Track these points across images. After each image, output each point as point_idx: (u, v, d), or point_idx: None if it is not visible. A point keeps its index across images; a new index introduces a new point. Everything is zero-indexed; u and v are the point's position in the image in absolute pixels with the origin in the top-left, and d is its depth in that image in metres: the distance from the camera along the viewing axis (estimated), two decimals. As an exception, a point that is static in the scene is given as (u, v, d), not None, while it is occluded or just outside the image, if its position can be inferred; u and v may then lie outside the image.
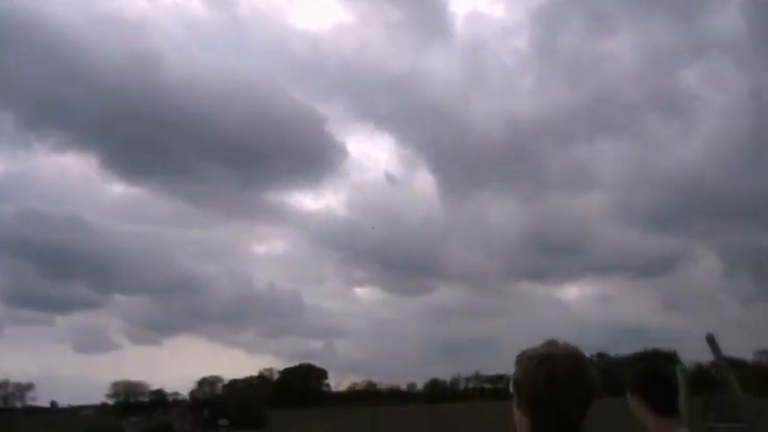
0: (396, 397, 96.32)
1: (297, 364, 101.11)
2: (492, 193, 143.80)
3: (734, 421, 5.05)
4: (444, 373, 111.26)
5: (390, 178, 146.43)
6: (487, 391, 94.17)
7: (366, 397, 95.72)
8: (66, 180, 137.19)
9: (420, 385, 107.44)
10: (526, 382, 1.49)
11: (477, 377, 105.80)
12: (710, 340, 5.24)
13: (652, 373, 2.76)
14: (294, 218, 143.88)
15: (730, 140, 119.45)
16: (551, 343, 1.54)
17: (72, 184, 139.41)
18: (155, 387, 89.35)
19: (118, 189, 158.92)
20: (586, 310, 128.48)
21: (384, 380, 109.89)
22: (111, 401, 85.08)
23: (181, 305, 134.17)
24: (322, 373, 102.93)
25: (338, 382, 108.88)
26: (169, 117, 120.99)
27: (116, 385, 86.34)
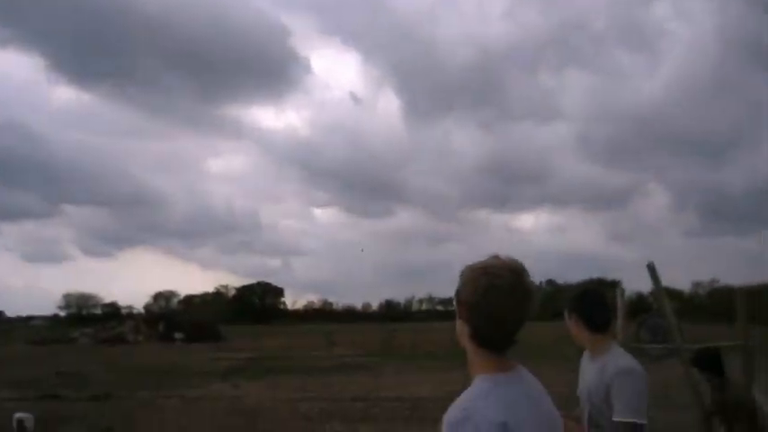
0: (351, 316, 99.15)
1: (254, 281, 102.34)
2: (456, 119, 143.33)
3: (664, 342, 5.33)
4: (399, 294, 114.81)
5: (355, 98, 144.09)
6: (440, 312, 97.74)
7: (321, 315, 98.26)
8: (8, 82, 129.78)
9: (375, 306, 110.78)
10: (467, 291, 1.53)
11: (430, 299, 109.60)
12: (651, 268, 5.47)
13: (586, 295, 2.88)
14: (254, 134, 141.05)
15: (693, 79, 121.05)
16: (494, 256, 1.57)
17: (14, 87, 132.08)
18: (108, 300, 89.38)
19: (67, 94, 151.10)
20: (541, 239, 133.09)
21: (340, 300, 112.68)
22: (62, 313, 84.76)
23: (136, 219, 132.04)
24: (278, 292, 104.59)
25: (294, 300, 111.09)
26: (125, 17, 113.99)
27: (68, 297, 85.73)
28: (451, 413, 1.43)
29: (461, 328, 1.57)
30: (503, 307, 1.47)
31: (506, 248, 1.62)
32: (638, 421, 2.55)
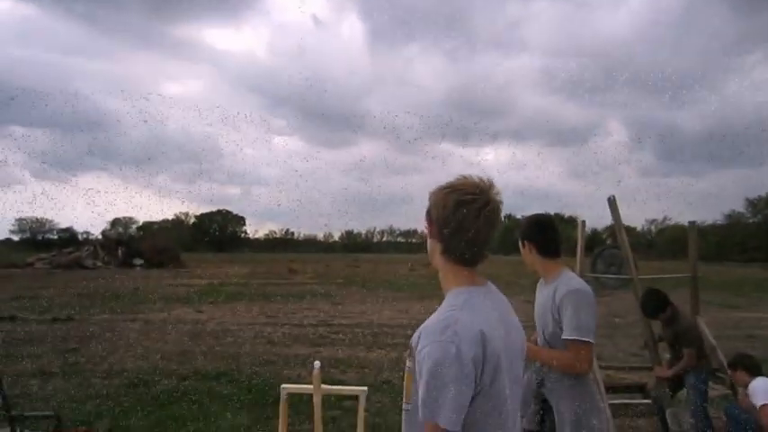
0: (312, 246, 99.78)
1: (213, 209, 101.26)
2: (421, 48, 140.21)
3: (619, 273, 5.59)
4: (360, 226, 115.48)
5: (317, 21, 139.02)
6: (400, 244, 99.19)
7: (283, 244, 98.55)
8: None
9: (336, 236, 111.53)
10: (437, 209, 1.60)
11: (391, 231, 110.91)
12: (611, 201, 5.64)
13: (538, 222, 3.01)
14: (211, 56, 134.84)
15: (659, 15, 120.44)
16: (461, 176, 1.63)
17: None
18: (64, 225, 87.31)
19: (4, 5, 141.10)
20: (501, 173, 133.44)
21: (301, 230, 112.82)
22: (16, 237, 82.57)
23: (88, 142, 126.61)
24: (240, 220, 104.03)
25: (255, 229, 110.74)
26: None
27: (21, 221, 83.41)
28: (431, 323, 1.50)
29: (433, 246, 1.65)
30: (472, 222, 1.54)
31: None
32: (585, 339, 2.67)
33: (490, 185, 1.59)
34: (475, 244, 1.56)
